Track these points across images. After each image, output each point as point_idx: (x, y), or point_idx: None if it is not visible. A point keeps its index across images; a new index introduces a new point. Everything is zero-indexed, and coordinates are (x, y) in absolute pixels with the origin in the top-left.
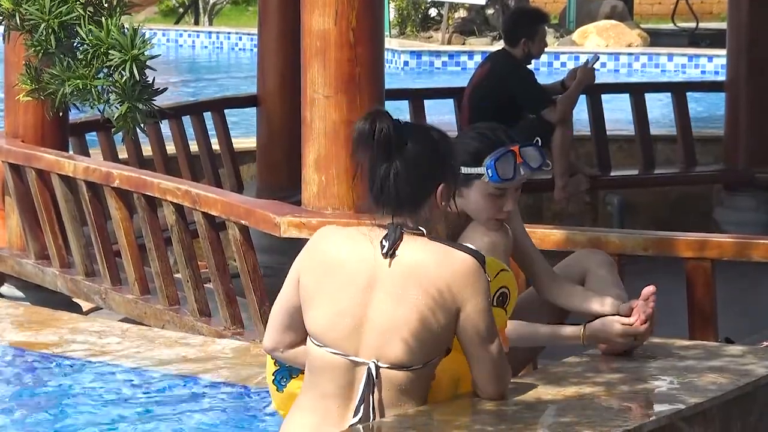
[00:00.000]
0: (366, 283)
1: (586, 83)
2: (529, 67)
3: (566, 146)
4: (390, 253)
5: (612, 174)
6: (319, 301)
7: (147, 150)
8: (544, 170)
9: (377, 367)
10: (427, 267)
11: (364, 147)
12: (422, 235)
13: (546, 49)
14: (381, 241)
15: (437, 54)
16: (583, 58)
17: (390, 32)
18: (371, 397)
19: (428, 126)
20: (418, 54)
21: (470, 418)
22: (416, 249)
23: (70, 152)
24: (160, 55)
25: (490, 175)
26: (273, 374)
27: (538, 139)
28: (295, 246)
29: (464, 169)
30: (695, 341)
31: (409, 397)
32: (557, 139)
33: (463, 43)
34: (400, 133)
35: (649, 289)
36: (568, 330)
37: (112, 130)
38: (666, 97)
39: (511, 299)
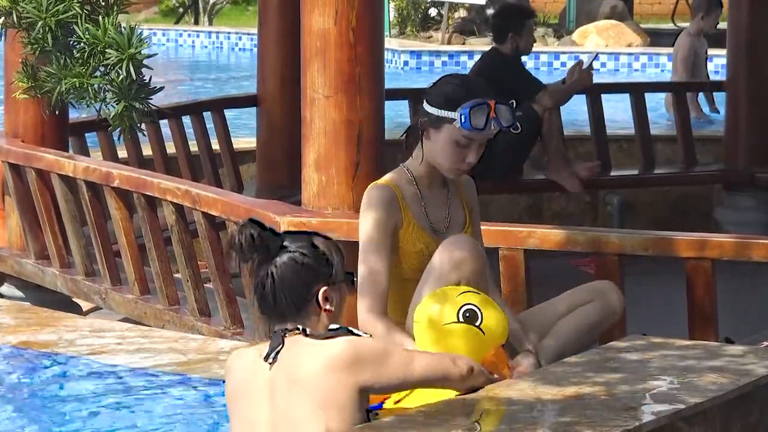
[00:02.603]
0: (259, 397)
1: (582, 84)
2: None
3: (556, 130)
4: (273, 359)
5: (612, 174)
6: (235, 427)
7: (147, 150)
8: (512, 132)
9: None
10: (306, 366)
11: (238, 257)
12: (302, 333)
13: (546, 49)
14: (268, 350)
15: (437, 54)
16: (583, 59)
17: (390, 32)
18: None
19: (308, 232)
20: (418, 54)
21: (470, 418)
22: (296, 351)
23: (70, 152)
24: (157, 54)
25: (463, 121)
26: None
27: (514, 101)
28: None
29: (438, 111)
30: (695, 341)
31: None
32: (547, 123)
33: (463, 43)
34: (269, 241)
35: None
36: None
37: (109, 128)
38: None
39: (484, 318)
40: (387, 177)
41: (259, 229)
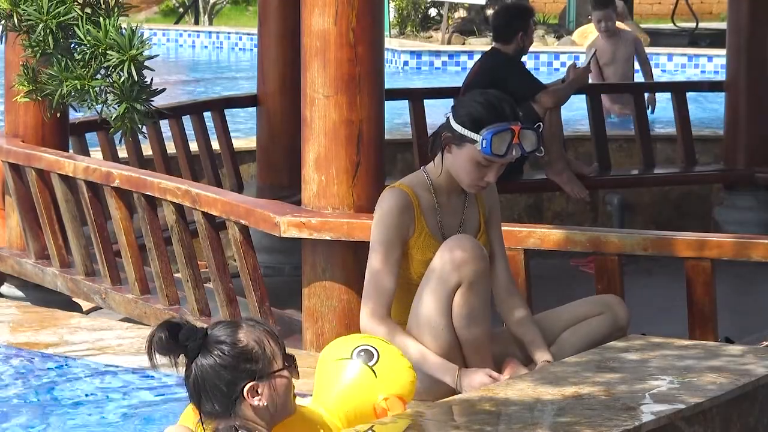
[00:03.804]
0: None
1: (580, 82)
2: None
3: (556, 131)
4: None
5: (612, 174)
6: None
7: (147, 150)
8: (536, 156)
9: None
10: None
11: (154, 358)
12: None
13: (546, 49)
14: None
15: (437, 54)
16: (582, 59)
17: (390, 32)
18: None
19: (235, 324)
20: (418, 54)
21: (469, 418)
22: None
23: (71, 152)
24: (158, 55)
25: (484, 146)
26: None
27: (540, 124)
28: (296, 246)
29: (461, 129)
30: (695, 341)
31: None
32: (547, 124)
33: (463, 43)
34: (189, 341)
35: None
36: (443, 365)
37: (110, 130)
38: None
39: (381, 360)
40: (406, 180)
41: (170, 332)
